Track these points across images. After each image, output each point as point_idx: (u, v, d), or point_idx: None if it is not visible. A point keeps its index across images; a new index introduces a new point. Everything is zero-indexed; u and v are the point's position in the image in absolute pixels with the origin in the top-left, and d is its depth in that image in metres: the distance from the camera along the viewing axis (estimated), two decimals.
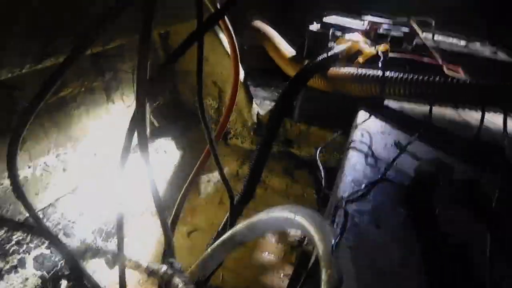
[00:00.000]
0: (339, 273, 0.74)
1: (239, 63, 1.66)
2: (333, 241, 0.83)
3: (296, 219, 1.03)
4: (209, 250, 1.53)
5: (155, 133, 2.29)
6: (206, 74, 2.38)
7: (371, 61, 1.82)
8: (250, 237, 1.34)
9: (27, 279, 1.44)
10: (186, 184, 1.67)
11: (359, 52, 1.90)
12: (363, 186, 1.25)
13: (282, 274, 1.91)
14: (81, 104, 1.79)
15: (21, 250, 1.46)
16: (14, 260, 1.44)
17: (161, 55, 2.25)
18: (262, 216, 1.28)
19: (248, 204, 1.70)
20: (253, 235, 1.33)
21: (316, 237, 0.90)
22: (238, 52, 1.63)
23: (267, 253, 2.00)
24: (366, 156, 1.42)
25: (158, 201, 1.32)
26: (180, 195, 1.65)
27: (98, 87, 1.87)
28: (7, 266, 1.42)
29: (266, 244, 2.04)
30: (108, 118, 1.94)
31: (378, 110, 1.73)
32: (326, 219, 1.07)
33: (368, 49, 1.88)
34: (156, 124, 2.27)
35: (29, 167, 1.58)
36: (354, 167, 1.36)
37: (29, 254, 1.48)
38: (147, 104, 1.18)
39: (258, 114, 2.46)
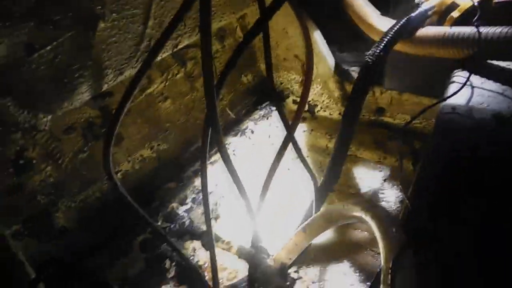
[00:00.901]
0: None
1: (311, 34, 1.56)
2: (394, 254, 0.77)
3: (366, 218, 0.97)
4: (293, 235, 1.55)
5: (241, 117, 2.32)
6: (287, 48, 2.31)
7: (468, 15, 1.55)
8: (326, 228, 1.31)
9: (134, 260, 1.63)
10: (270, 167, 1.68)
11: (453, 6, 1.64)
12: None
13: (375, 252, 1.84)
14: (167, 97, 1.90)
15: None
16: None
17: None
18: (337, 207, 1.24)
19: (332, 189, 1.66)
20: (328, 226, 1.31)
21: (380, 244, 0.84)
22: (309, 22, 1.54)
23: (359, 230, 1.94)
24: (463, 125, 1.25)
25: (241, 188, 1.36)
26: (266, 177, 1.67)
27: (181, 78, 1.96)
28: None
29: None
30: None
31: (478, 72, 1.50)
32: (397, 221, 0.98)
33: (464, 0, 1.61)
34: (232, 115, 2.30)
35: (128, 162, 1.75)
36: (448, 136, 1.20)
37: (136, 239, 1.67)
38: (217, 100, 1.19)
39: (344, 83, 2.33)
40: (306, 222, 1.45)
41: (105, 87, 1.24)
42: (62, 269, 1.16)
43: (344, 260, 1.87)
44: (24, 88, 1.01)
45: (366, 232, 1.94)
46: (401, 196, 2.00)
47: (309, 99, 2.43)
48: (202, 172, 1.36)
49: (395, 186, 2.07)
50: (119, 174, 1.72)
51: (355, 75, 2.35)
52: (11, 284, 1.07)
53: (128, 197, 1.45)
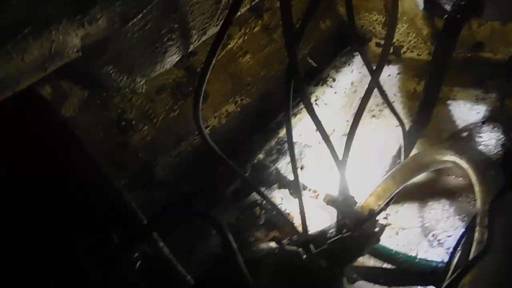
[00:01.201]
0: (489, 235, 0.65)
1: None
2: (492, 196, 0.72)
3: (461, 162, 0.91)
4: (382, 182, 1.53)
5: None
6: None
7: None
8: (416, 173, 1.27)
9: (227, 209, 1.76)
10: (355, 115, 1.64)
11: None
12: None
13: (471, 199, 1.75)
14: (247, 51, 1.91)
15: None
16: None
17: None
18: (429, 152, 1.19)
19: (422, 133, 1.58)
20: (419, 172, 1.26)
21: (477, 188, 0.79)
22: None
23: (453, 176, 1.85)
24: None
25: (326, 137, 1.37)
26: (350, 125, 1.64)
27: (259, 31, 1.95)
28: None
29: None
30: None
31: None
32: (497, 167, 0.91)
33: None
34: (313, 64, 2.24)
35: (215, 117, 1.84)
36: None
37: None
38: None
39: (434, 19, 2.13)
40: (395, 168, 1.42)
41: (191, 47, 1.30)
42: (171, 217, 1.30)
43: (437, 207, 1.81)
44: (123, 56, 1.10)
45: (461, 178, 1.84)
46: (503, 139, 1.83)
47: (394, 40, 2.27)
48: (286, 123, 1.39)
49: (495, 128, 1.90)
50: (207, 129, 1.82)
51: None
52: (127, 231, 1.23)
53: (217, 150, 1.55)
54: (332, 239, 1.34)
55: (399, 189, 1.56)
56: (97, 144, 1.44)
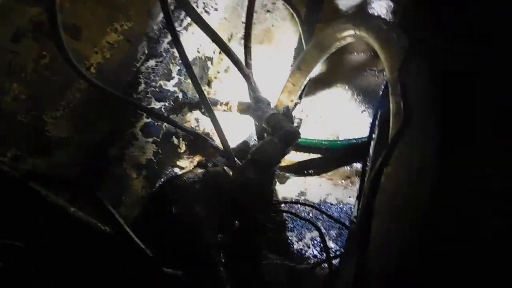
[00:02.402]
0: (405, 104, 0.62)
1: None
2: (399, 62, 0.68)
3: (361, 34, 0.87)
4: (289, 76, 1.49)
5: None
6: None
7: None
8: (320, 58, 1.22)
9: (142, 147, 1.63)
10: (246, 11, 1.52)
11: None
12: None
13: (376, 71, 1.79)
14: None
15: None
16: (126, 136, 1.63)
17: None
18: (327, 32, 1.13)
19: (318, 18, 1.51)
20: (322, 55, 1.22)
21: (382, 56, 0.75)
22: None
23: (355, 53, 1.86)
24: None
25: (222, 43, 1.25)
26: (245, 25, 1.52)
27: None
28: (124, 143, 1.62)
29: (353, 46, 1.87)
30: None
31: None
32: (397, 30, 0.86)
33: None
34: None
35: (96, 53, 1.61)
36: None
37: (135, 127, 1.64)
38: None
39: None
40: (298, 59, 1.36)
41: None
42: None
43: (346, 87, 1.83)
44: None
45: (362, 53, 1.86)
46: (392, 5, 1.84)
47: None
48: (174, 41, 1.23)
49: None
50: (92, 69, 1.60)
51: None
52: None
53: (105, 88, 1.37)
54: (254, 148, 1.30)
55: (307, 79, 1.53)
56: None
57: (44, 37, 1.42)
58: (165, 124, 1.68)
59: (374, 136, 1.49)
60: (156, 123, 1.66)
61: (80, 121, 1.58)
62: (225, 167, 1.32)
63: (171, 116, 1.72)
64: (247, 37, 1.50)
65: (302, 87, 1.56)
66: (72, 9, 1.53)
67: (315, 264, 1.33)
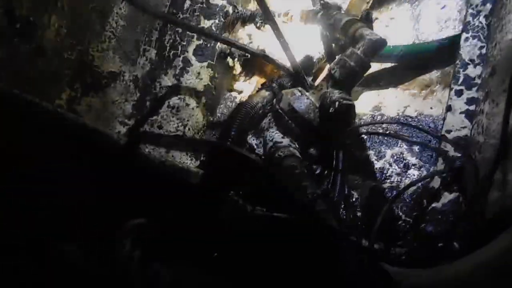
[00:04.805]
0: None
1: None
2: None
3: None
4: None
5: None
6: None
7: None
8: None
9: (198, 73, 1.49)
10: None
11: None
12: None
13: None
14: None
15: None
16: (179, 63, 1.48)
17: None
18: None
19: None
20: None
21: None
22: None
23: None
24: None
25: None
26: None
27: None
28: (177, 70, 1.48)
29: None
30: None
31: None
32: None
33: None
34: None
35: None
36: None
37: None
38: None
39: None
40: None
41: None
42: None
43: None
44: None
45: None
46: None
47: None
48: None
49: None
50: None
51: None
52: None
53: (148, 8, 1.20)
54: (333, 64, 1.13)
55: None
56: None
57: None
58: (218, 44, 1.51)
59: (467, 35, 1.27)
60: (208, 44, 1.49)
61: (128, 51, 1.44)
62: (300, 89, 1.17)
63: (223, 35, 1.54)
64: None
65: None
66: None
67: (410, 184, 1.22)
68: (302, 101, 1.12)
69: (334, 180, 1.14)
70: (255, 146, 1.15)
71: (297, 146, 1.10)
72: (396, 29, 1.56)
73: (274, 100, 1.18)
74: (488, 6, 1.22)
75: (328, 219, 0.89)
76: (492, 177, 0.80)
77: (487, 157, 0.91)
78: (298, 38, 1.56)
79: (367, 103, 1.52)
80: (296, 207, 0.94)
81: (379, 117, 1.49)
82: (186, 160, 1.38)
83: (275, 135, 1.12)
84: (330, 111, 1.05)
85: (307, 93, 1.15)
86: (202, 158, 1.38)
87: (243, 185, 1.18)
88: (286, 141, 1.09)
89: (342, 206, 1.19)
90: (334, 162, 1.16)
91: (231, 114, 1.22)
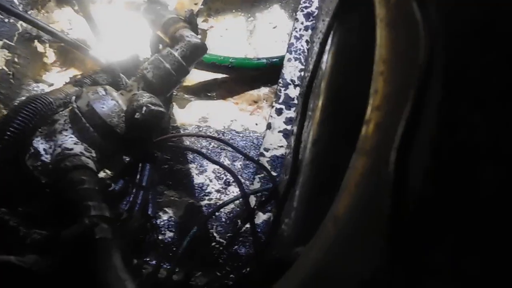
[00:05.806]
0: None
1: None
2: None
3: None
4: None
5: None
6: None
7: None
8: None
9: None
10: None
11: None
12: None
13: None
14: None
15: None
16: None
17: None
18: None
19: None
20: None
21: None
22: None
23: None
24: None
25: None
26: None
27: None
28: None
29: None
30: None
31: None
32: None
33: None
34: None
35: None
36: None
37: None
38: None
39: None
40: None
41: None
42: None
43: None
44: None
45: None
46: None
47: None
48: None
49: None
50: None
51: None
52: None
53: None
54: (146, 63, 1.00)
55: None
56: None
57: None
58: (21, 22, 1.24)
59: (290, 56, 1.29)
60: (5, 19, 1.21)
61: None
62: (107, 87, 1.01)
63: (30, 12, 1.27)
64: None
65: None
66: None
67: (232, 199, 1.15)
68: (106, 102, 0.96)
69: (135, 197, 1.00)
70: (43, 152, 0.93)
71: (94, 155, 0.93)
72: (230, 40, 1.52)
73: (74, 97, 0.98)
74: (309, 31, 1.26)
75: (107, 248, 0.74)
76: (284, 202, 0.77)
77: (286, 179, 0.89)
78: (129, 33, 1.40)
79: (194, 113, 1.43)
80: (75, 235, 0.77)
81: (205, 128, 1.42)
82: None
83: (68, 139, 0.93)
84: (136, 116, 0.91)
85: (114, 94, 0.99)
86: None
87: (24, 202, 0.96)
88: (78, 148, 0.91)
89: (145, 226, 1.06)
90: (138, 177, 1.02)
91: (14, 108, 0.97)
